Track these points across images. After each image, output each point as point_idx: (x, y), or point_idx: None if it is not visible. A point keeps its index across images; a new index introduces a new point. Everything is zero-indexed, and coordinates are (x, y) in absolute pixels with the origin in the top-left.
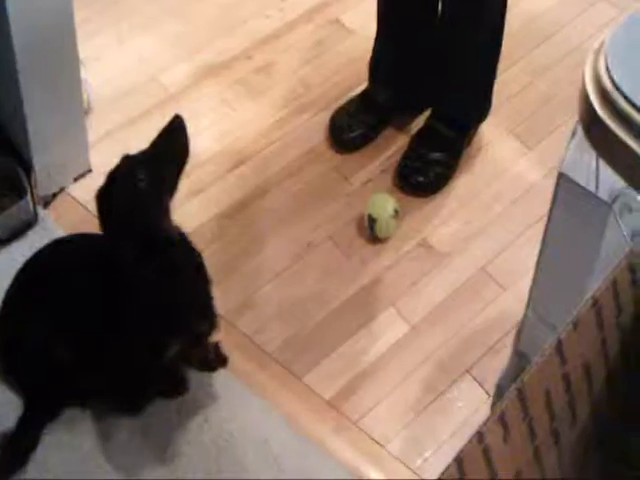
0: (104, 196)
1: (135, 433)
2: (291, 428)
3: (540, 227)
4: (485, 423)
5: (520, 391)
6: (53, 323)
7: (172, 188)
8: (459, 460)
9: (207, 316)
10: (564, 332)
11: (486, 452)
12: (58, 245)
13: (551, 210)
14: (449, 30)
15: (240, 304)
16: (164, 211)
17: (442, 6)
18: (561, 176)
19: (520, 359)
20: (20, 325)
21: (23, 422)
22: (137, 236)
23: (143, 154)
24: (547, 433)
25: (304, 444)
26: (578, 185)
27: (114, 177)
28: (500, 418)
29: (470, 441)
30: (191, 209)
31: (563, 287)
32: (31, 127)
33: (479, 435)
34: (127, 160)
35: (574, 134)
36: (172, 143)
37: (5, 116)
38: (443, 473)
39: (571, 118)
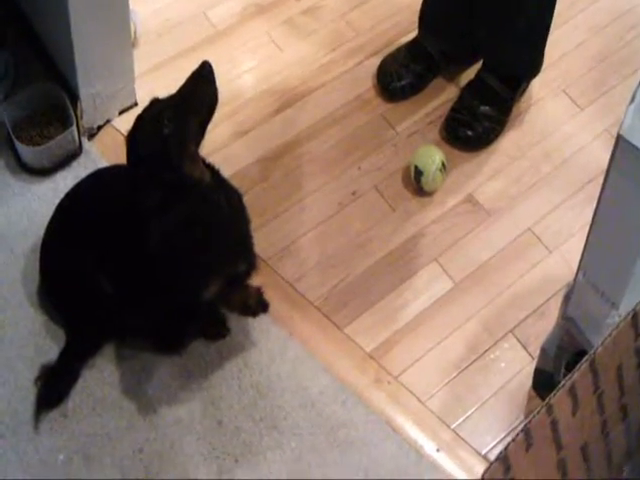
0: (131, 138)
1: (175, 372)
2: (330, 376)
3: (589, 189)
4: (555, 394)
5: (592, 363)
6: (94, 254)
7: (198, 135)
8: (527, 431)
9: (245, 256)
10: None
11: (554, 424)
12: (100, 176)
13: (607, 173)
14: None
15: (282, 250)
16: (189, 157)
17: None
18: (619, 139)
19: (567, 323)
20: (62, 255)
21: (65, 355)
22: (160, 181)
23: (171, 99)
24: (616, 408)
25: (343, 392)
26: (637, 149)
27: (141, 120)
28: (570, 390)
29: (539, 412)
30: (236, 150)
31: (615, 253)
32: (79, 57)
33: (548, 407)
34: (155, 104)
35: (633, 98)
36: (200, 90)
37: (55, 45)
38: (510, 442)
39: (624, 80)
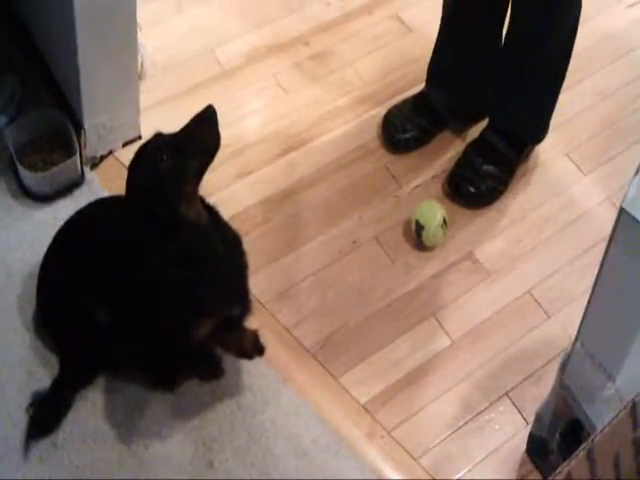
0: (130, 170)
1: (167, 409)
2: (323, 425)
3: (590, 256)
4: None
5: (590, 452)
6: (91, 284)
7: (196, 177)
8: None
9: (239, 300)
10: None
11: None
12: (100, 205)
13: (609, 245)
14: (516, 43)
15: (280, 294)
16: (186, 198)
17: (511, 18)
18: (622, 212)
19: (563, 391)
20: (59, 283)
21: (57, 384)
22: (154, 216)
23: (172, 137)
24: None
25: (336, 443)
26: (639, 223)
27: (140, 154)
28: (567, 479)
29: None
30: (238, 191)
31: (615, 326)
32: (85, 86)
33: None
34: (157, 139)
35: (638, 171)
36: (201, 133)
37: (62, 72)
38: None
39: (629, 148)
